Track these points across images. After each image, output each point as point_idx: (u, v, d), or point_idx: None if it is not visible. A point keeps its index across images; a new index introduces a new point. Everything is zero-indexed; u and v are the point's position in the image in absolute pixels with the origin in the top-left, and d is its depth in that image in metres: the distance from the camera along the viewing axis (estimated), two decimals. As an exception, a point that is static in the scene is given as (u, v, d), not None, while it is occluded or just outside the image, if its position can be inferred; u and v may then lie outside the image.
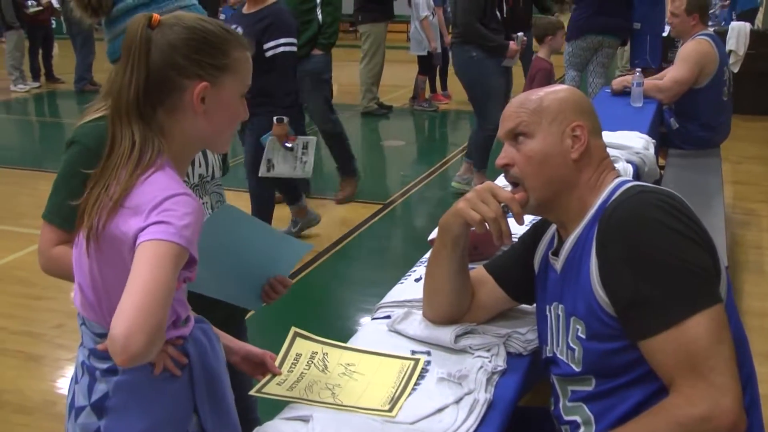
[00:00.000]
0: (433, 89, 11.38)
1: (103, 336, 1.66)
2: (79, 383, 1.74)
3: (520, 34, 6.57)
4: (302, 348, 1.99)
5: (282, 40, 4.96)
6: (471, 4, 6.40)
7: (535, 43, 6.99)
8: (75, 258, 1.69)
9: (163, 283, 1.41)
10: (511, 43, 6.39)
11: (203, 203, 2.25)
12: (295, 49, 5.09)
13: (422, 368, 1.95)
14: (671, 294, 1.62)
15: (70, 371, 3.97)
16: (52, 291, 4.83)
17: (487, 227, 1.90)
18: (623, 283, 1.67)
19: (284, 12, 5.16)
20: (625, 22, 8.26)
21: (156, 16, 1.61)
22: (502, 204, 1.89)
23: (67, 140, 2.03)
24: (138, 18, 1.61)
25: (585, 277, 1.76)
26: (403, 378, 1.90)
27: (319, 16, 6.32)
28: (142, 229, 1.47)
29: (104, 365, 1.68)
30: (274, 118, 4.95)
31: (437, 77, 11.45)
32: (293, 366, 1.93)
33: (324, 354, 1.99)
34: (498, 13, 6.40)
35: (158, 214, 1.48)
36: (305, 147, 5.27)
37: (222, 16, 10.97)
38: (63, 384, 3.95)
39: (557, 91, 1.95)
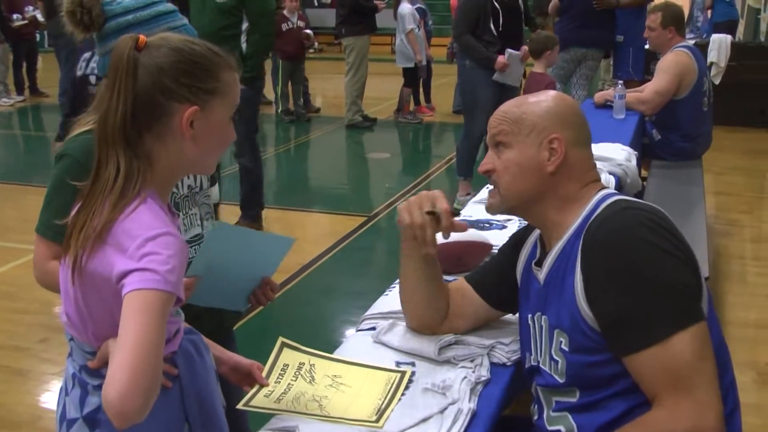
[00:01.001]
0: (417, 102, 11.43)
1: (92, 354, 1.67)
2: (70, 395, 1.74)
3: (515, 52, 6.61)
4: (289, 359, 2.01)
5: None
6: (463, 15, 6.61)
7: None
8: (61, 283, 1.68)
9: (154, 335, 1.40)
10: (500, 56, 6.45)
11: (192, 214, 2.26)
12: None
13: (408, 379, 1.97)
14: (655, 311, 1.64)
15: (56, 385, 3.99)
16: (37, 305, 4.82)
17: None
18: (608, 299, 1.69)
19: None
20: (609, 34, 8.34)
21: (143, 37, 1.59)
22: (438, 211, 1.93)
23: (57, 153, 2.04)
24: (124, 39, 1.59)
25: (569, 291, 1.77)
26: (389, 389, 1.92)
27: (243, 46, 5.92)
28: (126, 274, 1.45)
29: (96, 381, 1.68)
30: None
31: (421, 89, 11.49)
32: (280, 377, 1.94)
33: (311, 365, 2.00)
34: (493, 26, 6.46)
35: (141, 258, 1.46)
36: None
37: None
38: (49, 398, 3.94)
39: (542, 101, 1.94)
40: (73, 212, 1.62)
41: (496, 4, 6.44)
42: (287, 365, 1.98)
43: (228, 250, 1.96)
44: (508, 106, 1.97)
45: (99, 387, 1.66)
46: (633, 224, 1.70)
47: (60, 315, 1.74)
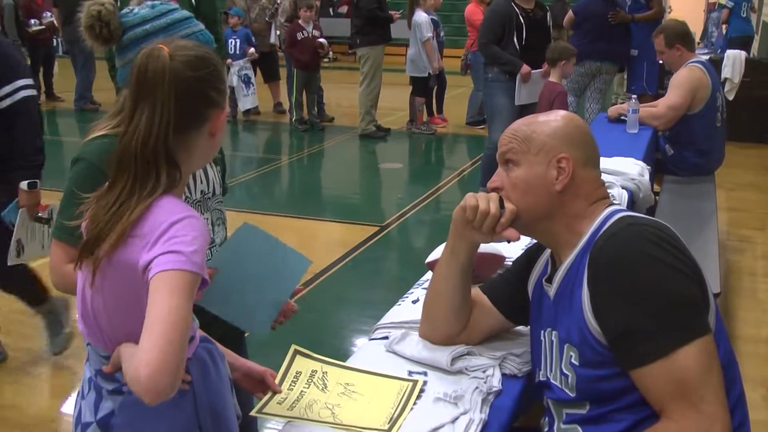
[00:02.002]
0: (430, 112, 11.45)
1: (106, 358, 1.70)
2: (85, 399, 1.77)
3: (536, 71, 6.67)
4: (302, 366, 2.02)
5: (20, 83, 3.80)
6: (489, 26, 6.73)
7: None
8: (78, 290, 1.71)
9: (181, 315, 1.43)
10: (525, 65, 6.49)
11: (204, 219, 2.29)
12: (35, 92, 3.96)
13: (420, 388, 1.98)
14: (661, 325, 1.66)
15: (67, 388, 4.03)
16: (49, 308, 4.85)
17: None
18: (614, 314, 1.70)
19: (8, 45, 4.10)
20: (624, 48, 8.39)
21: (167, 48, 1.62)
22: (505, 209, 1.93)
23: (73, 158, 2.07)
24: (153, 53, 1.61)
25: (577, 306, 1.79)
26: (402, 398, 1.93)
27: None
28: (152, 260, 1.48)
29: (110, 386, 1.71)
30: (23, 184, 3.71)
31: (434, 100, 11.51)
32: (293, 384, 1.96)
33: (324, 373, 2.01)
34: (516, 40, 6.50)
35: (166, 242, 1.50)
36: (51, 215, 3.82)
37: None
38: (61, 401, 3.97)
39: (552, 120, 1.96)
40: (88, 216, 1.64)
41: (521, 18, 6.49)
42: (300, 372, 2.00)
43: (250, 252, 1.98)
44: (518, 125, 2.00)
45: (113, 392, 1.70)
46: (637, 239, 1.72)
47: (77, 322, 1.77)
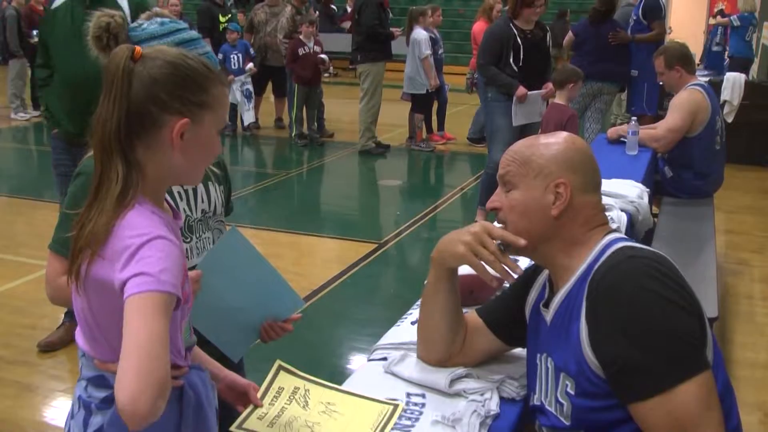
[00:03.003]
0: (429, 130, 11.47)
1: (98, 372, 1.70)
2: (74, 418, 1.76)
3: (535, 92, 6.70)
4: (285, 382, 2.02)
5: None
6: (486, 47, 6.76)
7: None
8: (73, 299, 1.71)
9: (156, 336, 1.42)
10: (521, 87, 6.53)
11: (205, 238, 2.29)
12: None
13: (418, 410, 1.98)
14: (661, 361, 1.65)
15: (63, 402, 4.02)
16: (47, 321, 4.84)
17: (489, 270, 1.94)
18: (613, 349, 1.70)
19: None
20: (624, 68, 8.45)
21: (138, 48, 1.62)
22: (498, 242, 1.93)
23: (74, 172, 2.08)
24: (121, 49, 1.62)
25: (575, 337, 1.79)
26: (381, 421, 1.93)
27: None
28: (124, 282, 1.48)
29: (101, 394, 1.71)
30: None
31: (434, 117, 11.53)
32: (275, 399, 1.96)
33: (306, 390, 2.02)
34: (513, 61, 6.54)
35: (135, 264, 1.49)
36: None
37: (220, 56, 11.06)
38: (56, 414, 3.97)
39: (552, 144, 1.95)
40: (76, 229, 1.64)
41: (518, 39, 6.51)
42: (282, 388, 2.00)
43: (237, 263, 1.98)
44: (519, 146, 2.00)
45: (104, 402, 1.69)
46: (638, 274, 1.71)
47: (76, 335, 1.77)
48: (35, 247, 6.48)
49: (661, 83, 8.93)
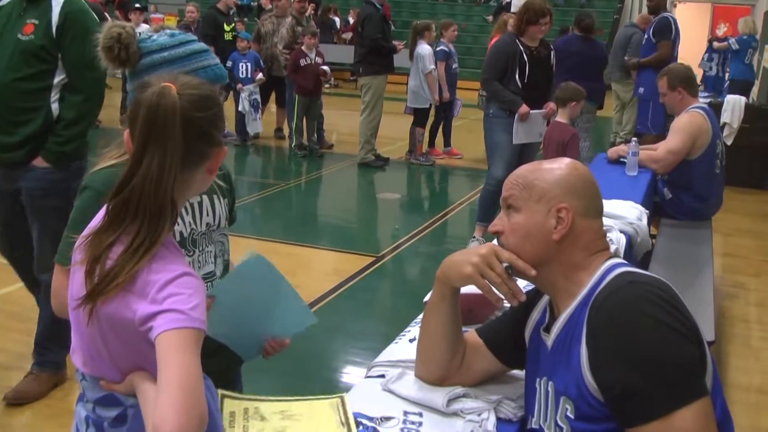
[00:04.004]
0: (431, 144, 11.48)
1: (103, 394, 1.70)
2: None
3: (537, 111, 6.72)
4: (233, 407, 2.02)
5: None
6: (492, 62, 6.77)
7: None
8: (73, 322, 1.70)
9: (193, 371, 1.45)
10: (524, 105, 6.54)
11: (207, 251, 2.29)
12: None
13: (415, 429, 1.98)
14: (660, 387, 1.65)
15: (59, 410, 4.00)
16: (43, 327, 4.82)
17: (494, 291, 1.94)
18: (613, 374, 1.70)
19: None
20: (600, 85, 8.56)
21: (173, 86, 1.60)
22: (506, 265, 1.93)
23: (81, 185, 2.08)
24: (162, 92, 1.58)
25: (575, 361, 1.79)
26: (341, 414, 1.97)
27: (54, 106, 3.91)
28: (150, 317, 1.50)
29: (112, 413, 1.70)
30: None
31: (440, 132, 11.54)
32: (232, 423, 1.95)
33: (255, 408, 2.01)
34: (518, 78, 6.55)
35: (165, 300, 1.51)
36: None
37: (229, 63, 11.10)
38: (51, 422, 3.96)
39: (555, 168, 1.97)
40: (87, 254, 1.62)
41: (525, 56, 6.52)
42: (234, 412, 1.99)
43: (256, 285, 1.99)
44: (522, 170, 2.00)
45: (116, 420, 1.68)
46: (638, 299, 1.72)
47: (71, 354, 1.76)
48: (32, 251, 6.48)
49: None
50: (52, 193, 3.93)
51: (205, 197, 2.28)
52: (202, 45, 2.18)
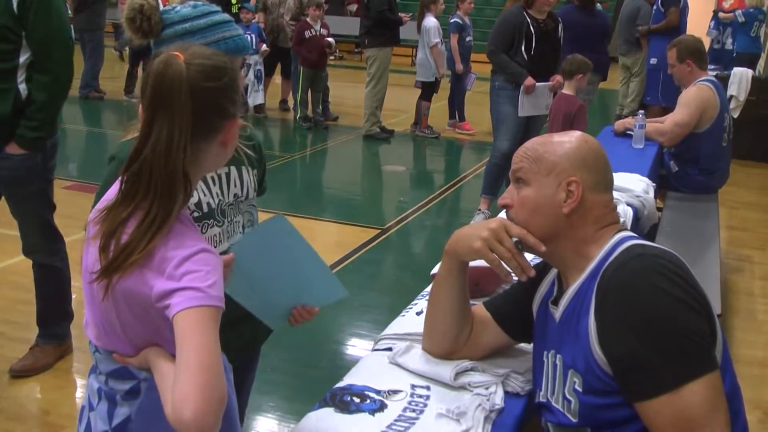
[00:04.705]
0: (452, 116, 11.48)
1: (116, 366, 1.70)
2: (96, 410, 1.76)
3: (543, 84, 6.68)
4: None
5: None
6: (498, 33, 6.72)
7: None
8: (86, 295, 1.70)
9: (213, 349, 1.45)
10: (530, 77, 6.50)
11: (236, 222, 2.29)
12: None
13: (422, 402, 1.98)
14: (669, 360, 1.65)
15: (65, 379, 4.03)
16: (49, 298, 4.83)
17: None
18: (621, 346, 1.70)
19: None
20: (604, 57, 8.51)
21: (182, 56, 1.58)
22: (516, 240, 1.92)
23: (109, 156, 2.11)
24: (169, 61, 1.57)
25: (584, 334, 1.79)
26: None
27: (22, 87, 3.74)
28: (167, 294, 1.49)
29: (126, 386, 1.70)
30: None
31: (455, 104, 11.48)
32: None
33: None
34: (524, 50, 6.51)
35: (182, 277, 1.50)
36: None
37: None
38: (58, 393, 3.98)
39: (566, 141, 1.96)
40: (104, 225, 1.61)
41: (532, 28, 6.48)
42: None
43: (279, 248, 1.96)
44: (532, 143, 1.99)
45: (129, 393, 1.69)
46: (648, 272, 1.71)
47: (84, 327, 1.76)
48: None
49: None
50: (32, 178, 3.88)
51: (233, 168, 2.28)
52: (224, 16, 2.17)
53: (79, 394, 3.96)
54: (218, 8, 2.20)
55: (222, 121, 1.64)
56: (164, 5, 2.13)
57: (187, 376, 1.41)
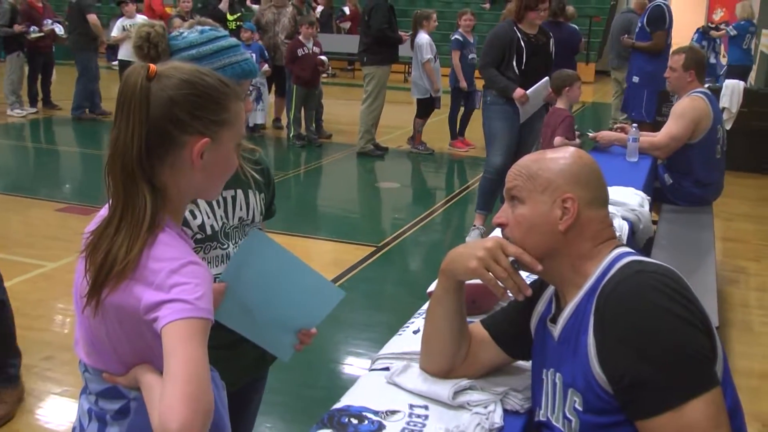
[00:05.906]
0: (453, 136, 11.41)
1: (106, 387, 1.69)
2: (86, 430, 1.75)
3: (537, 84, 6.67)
4: None
5: None
6: (489, 48, 6.72)
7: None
8: (77, 313, 1.68)
9: (200, 362, 1.44)
10: (519, 89, 6.51)
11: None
12: None
13: (421, 422, 1.96)
14: (669, 377, 1.64)
15: (59, 405, 4.00)
16: (43, 322, 4.82)
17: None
18: (622, 365, 1.68)
19: None
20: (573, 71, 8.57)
21: (153, 67, 1.60)
22: (512, 259, 1.91)
23: None
24: (135, 69, 1.60)
25: (583, 352, 1.78)
26: None
27: None
28: (155, 306, 1.48)
29: (115, 405, 1.69)
30: None
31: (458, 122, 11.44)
32: None
33: None
34: (515, 64, 6.52)
35: (170, 290, 1.49)
36: None
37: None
38: (51, 417, 3.96)
39: (560, 158, 1.95)
40: (89, 241, 1.62)
41: (522, 42, 6.49)
42: None
43: (263, 265, 1.94)
44: (526, 161, 1.98)
45: (119, 413, 1.68)
46: (647, 289, 1.70)
47: (74, 345, 1.75)
48: (30, 245, 6.47)
49: (659, 91, 9.06)
50: None
51: (239, 191, 2.28)
52: (231, 41, 2.18)
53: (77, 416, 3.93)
54: (225, 33, 2.20)
55: (181, 134, 1.60)
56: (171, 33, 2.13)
57: (173, 388, 1.40)
